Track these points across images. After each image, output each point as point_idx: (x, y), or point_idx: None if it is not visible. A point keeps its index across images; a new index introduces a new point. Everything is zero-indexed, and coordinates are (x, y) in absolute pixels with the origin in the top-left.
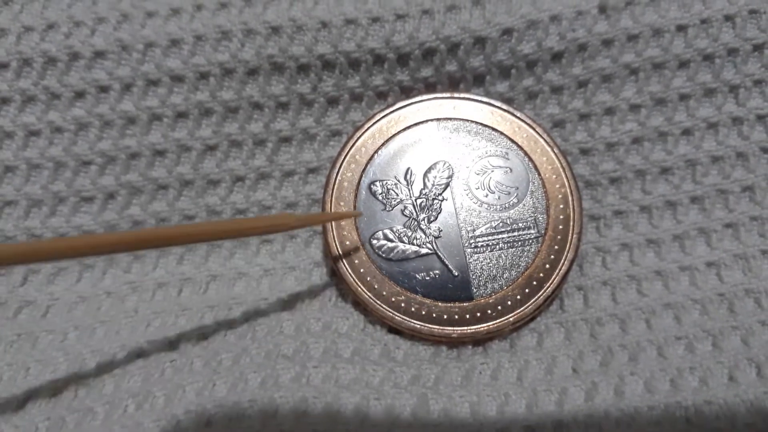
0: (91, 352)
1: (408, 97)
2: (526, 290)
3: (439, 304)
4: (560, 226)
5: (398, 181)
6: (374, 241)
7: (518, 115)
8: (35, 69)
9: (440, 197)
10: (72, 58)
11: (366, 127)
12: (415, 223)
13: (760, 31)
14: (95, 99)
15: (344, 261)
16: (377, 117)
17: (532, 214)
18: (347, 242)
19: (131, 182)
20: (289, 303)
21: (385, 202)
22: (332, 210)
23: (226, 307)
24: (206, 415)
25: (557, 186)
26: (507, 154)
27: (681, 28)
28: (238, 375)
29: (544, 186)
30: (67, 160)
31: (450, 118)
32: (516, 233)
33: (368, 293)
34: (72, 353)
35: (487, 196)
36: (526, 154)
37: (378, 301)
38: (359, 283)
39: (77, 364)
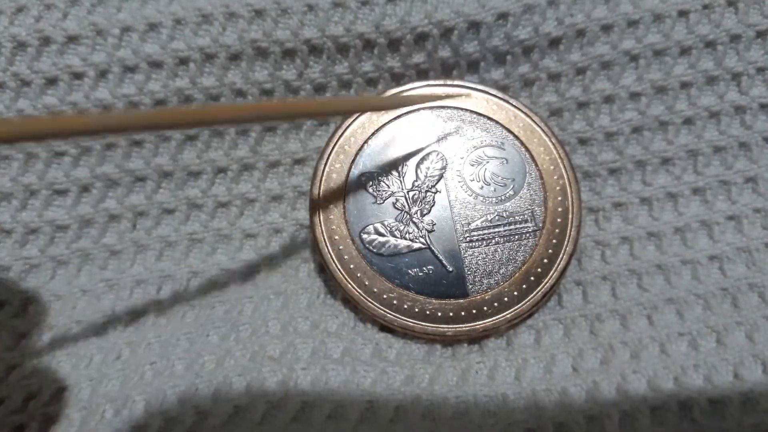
0: (66, 354)
1: (399, 84)
2: (524, 286)
3: (433, 300)
4: (558, 219)
5: (389, 172)
6: (364, 236)
7: (514, 103)
8: (4, 54)
9: (433, 189)
10: (43, 43)
11: (355, 115)
12: (408, 216)
13: (764, 17)
14: (68, 86)
15: (333, 256)
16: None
17: (530, 207)
18: (336, 236)
19: (107, 174)
20: (275, 301)
21: (375, 194)
22: (320, 203)
23: (208, 306)
24: (188, 422)
25: (555, 177)
26: (503, 144)
27: (682, 14)
28: (221, 379)
29: (541, 177)
30: (38, 151)
31: (443, 107)
32: (512, 227)
33: (358, 290)
34: (46, 356)
35: (482, 188)
36: (522, 144)
37: (369, 299)
38: (349, 280)
39: (51, 367)
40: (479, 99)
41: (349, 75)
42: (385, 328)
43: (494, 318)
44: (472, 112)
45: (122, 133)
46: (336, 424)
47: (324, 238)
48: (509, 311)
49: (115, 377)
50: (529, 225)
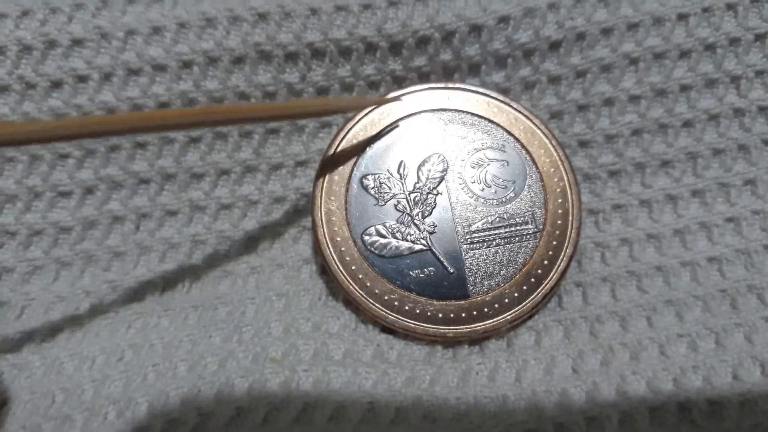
0: (70, 355)
1: (401, 87)
2: (524, 287)
3: (434, 302)
4: (558, 221)
5: (391, 174)
6: (366, 237)
7: (515, 106)
8: (9, 58)
9: (435, 191)
10: (48, 46)
11: (357, 118)
12: (409, 218)
13: (763, 21)
14: (73, 89)
15: (335, 258)
16: (369, 108)
17: (530, 209)
18: (338, 238)
19: (111, 176)
20: (277, 302)
21: (377, 196)
22: (323, 205)
23: (210, 307)
24: (191, 424)
25: (555, 179)
26: (503, 146)
27: (682, 17)
28: (224, 380)
29: (541, 179)
30: (43, 153)
31: (444, 109)
32: (513, 228)
33: (360, 291)
34: (49, 357)
35: (483, 190)
36: (523, 146)
37: (370, 300)
38: (350, 281)
39: (54, 368)
40: (480, 102)
41: (351, 78)
42: (387, 329)
43: (495, 319)
44: (473, 114)
45: (125, 134)
46: (337, 426)
47: (326, 240)
48: (510, 312)
49: (118, 379)
50: (530, 227)
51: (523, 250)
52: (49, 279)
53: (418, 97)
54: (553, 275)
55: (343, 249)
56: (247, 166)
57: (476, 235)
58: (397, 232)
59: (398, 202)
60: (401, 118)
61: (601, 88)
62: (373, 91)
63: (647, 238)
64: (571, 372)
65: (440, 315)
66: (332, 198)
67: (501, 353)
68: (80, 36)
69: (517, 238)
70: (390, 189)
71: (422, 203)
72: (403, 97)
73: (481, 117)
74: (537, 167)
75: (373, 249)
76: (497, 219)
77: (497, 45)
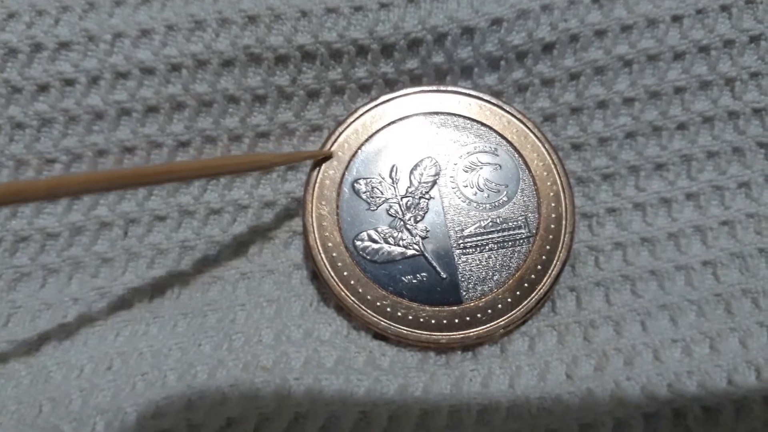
0: (57, 364)
1: (392, 90)
2: (517, 293)
3: (427, 308)
4: (552, 225)
5: (383, 178)
6: (358, 243)
7: (507, 109)
8: None
9: (427, 196)
10: (34, 50)
11: (348, 122)
12: (401, 223)
13: (757, 22)
14: (60, 93)
15: (326, 263)
16: (360, 111)
17: (523, 213)
18: (329, 243)
19: None
20: (267, 308)
21: (369, 201)
22: (314, 210)
23: (200, 314)
24: None
25: (548, 183)
26: (496, 150)
27: (676, 19)
28: (214, 389)
29: (534, 183)
30: (29, 158)
31: (437, 113)
32: (506, 233)
33: (352, 297)
34: (36, 366)
35: (475, 194)
36: (516, 150)
37: (362, 306)
38: (342, 287)
39: (41, 377)
40: (473, 105)
41: (342, 81)
42: (379, 335)
43: (488, 325)
44: (465, 117)
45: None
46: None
47: (317, 245)
48: (503, 318)
49: (107, 388)
50: (523, 231)
51: (516, 254)
52: (36, 286)
53: (410, 100)
54: (547, 280)
55: (334, 254)
56: None
57: (469, 239)
58: (389, 237)
59: (390, 206)
60: (393, 122)
61: (594, 90)
62: (365, 94)
63: (641, 242)
64: (565, 378)
65: (433, 321)
66: (323, 203)
67: (494, 359)
68: (67, 39)
69: (510, 243)
70: (382, 193)
71: (414, 208)
72: (394, 101)
73: (473, 120)
74: (530, 171)
75: (365, 254)
76: (490, 223)
77: (490, 47)
